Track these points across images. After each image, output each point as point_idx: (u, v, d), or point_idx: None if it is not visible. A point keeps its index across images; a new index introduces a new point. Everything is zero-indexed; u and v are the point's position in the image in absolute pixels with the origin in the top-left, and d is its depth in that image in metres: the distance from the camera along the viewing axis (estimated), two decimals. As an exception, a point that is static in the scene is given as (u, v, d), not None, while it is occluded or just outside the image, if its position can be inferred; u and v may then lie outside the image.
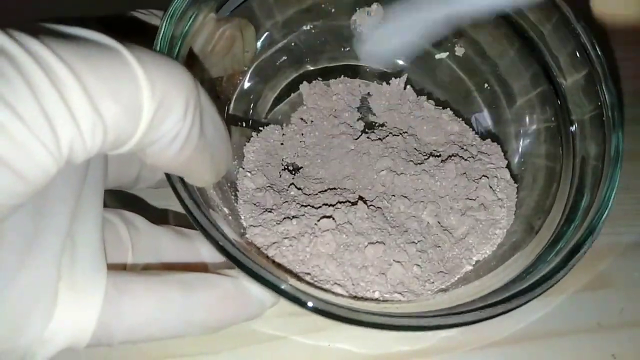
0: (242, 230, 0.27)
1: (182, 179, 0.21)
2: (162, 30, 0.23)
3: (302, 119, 0.33)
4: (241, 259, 0.19)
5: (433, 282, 0.25)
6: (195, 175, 0.21)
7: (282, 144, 0.32)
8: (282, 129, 0.33)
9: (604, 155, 0.24)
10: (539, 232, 0.25)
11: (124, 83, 0.16)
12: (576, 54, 0.27)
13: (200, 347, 0.27)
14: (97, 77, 0.15)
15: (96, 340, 0.20)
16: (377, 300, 0.24)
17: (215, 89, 0.30)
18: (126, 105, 0.16)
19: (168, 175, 0.21)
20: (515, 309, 0.20)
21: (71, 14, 0.23)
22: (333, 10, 0.33)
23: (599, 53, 0.26)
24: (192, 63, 0.26)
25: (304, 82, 0.34)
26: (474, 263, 0.27)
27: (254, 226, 0.27)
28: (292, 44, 0.34)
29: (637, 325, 0.31)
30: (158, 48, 0.23)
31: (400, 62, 0.35)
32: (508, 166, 0.31)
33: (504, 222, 0.28)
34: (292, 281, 0.23)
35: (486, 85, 0.33)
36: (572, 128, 0.27)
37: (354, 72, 0.35)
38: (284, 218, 0.27)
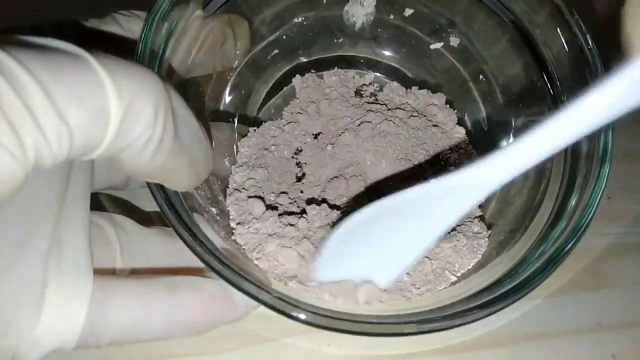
0: (231, 229, 0.27)
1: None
2: (144, 35, 0.23)
3: (293, 113, 0.33)
4: (215, 267, 0.20)
5: (419, 288, 0.25)
6: (174, 180, 0.22)
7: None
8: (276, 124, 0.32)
9: (593, 154, 0.24)
10: (527, 232, 0.25)
11: (90, 89, 0.16)
12: (570, 47, 0.26)
13: (200, 348, 0.28)
14: (62, 84, 0.15)
15: (84, 342, 0.21)
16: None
17: (204, 87, 0.30)
18: (92, 110, 0.16)
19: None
20: (491, 315, 0.20)
21: (49, 15, 0.23)
22: (325, 1, 0.33)
23: (592, 47, 0.25)
24: (178, 63, 0.26)
25: (297, 76, 0.34)
26: (459, 275, 0.26)
27: (240, 224, 0.27)
28: (284, 36, 0.33)
29: (637, 325, 0.31)
30: (139, 53, 0.23)
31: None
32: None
33: (485, 232, 0.28)
34: (278, 285, 0.23)
35: (481, 76, 0.32)
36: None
37: (348, 62, 0.35)
38: (256, 219, 0.27)
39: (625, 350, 0.30)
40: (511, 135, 0.30)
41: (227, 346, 0.28)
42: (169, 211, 0.21)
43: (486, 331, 0.29)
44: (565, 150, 0.26)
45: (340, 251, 0.22)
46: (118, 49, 0.25)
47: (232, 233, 0.27)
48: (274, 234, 0.26)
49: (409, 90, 0.34)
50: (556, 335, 0.30)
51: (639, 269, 0.32)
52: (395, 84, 0.35)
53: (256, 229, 0.26)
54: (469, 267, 0.26)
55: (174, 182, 0.22)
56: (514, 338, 0.29)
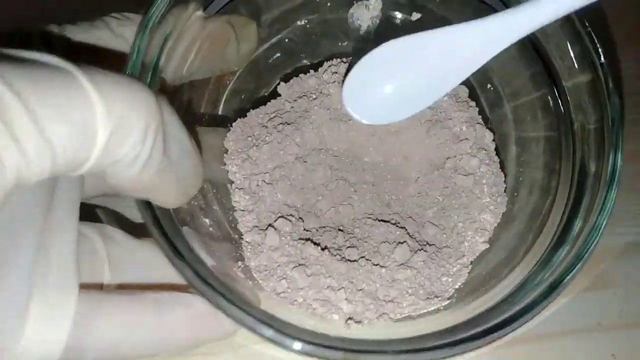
0: (231, 235, 0.27)
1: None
2: (137, 42, 0.22)
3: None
4: (199, 287, 0.19)
5: (404, 307, 0.25)
6: (160, 197, 0.21)
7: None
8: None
9: (601, 175, 0.23)
10: (529, 253, 0.24)
11: (76, 106, 0.15)
12: (580, 59, 0.25)
13: (199, 348, 0.27)
14: (46, 101, 0.15)
15: (67, 358, 0.20)
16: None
17: (202, 91, 0.29)
18: (78, 130, 0.15)
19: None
20: (487, 345, 0.20)
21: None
22: (329, 4, 0.32)
23: (604, 60, 0.24)
24: (175, 67, 0.26)
25: (281, 84, 0.32)
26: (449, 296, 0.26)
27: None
28: (286, 39, 0.32)
29: (637, 325, 0.31)
30: (131, 61, 0.22)
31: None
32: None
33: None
34: (265, 302, 0.23)
35: (489, 85, 0.31)
36: (573, 140, 0.25)
37: (353, 66, 0.34)
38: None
39: (625, 350, 0.30)
40: (514, 146, 0.30)
41: (227, 347, 0.28)
42: (155, 230, 0.20)
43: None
44: (573, 169, 0.25)
45: (364, 79, 0.24)
46: (108, 55, 0.24)
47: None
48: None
49: None
50: (556, 335, 0.30)
51: (639, 268, 0.32)
52: None
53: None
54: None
55: (160, 199, 0.21)
56: (513, 339, 0.29)
